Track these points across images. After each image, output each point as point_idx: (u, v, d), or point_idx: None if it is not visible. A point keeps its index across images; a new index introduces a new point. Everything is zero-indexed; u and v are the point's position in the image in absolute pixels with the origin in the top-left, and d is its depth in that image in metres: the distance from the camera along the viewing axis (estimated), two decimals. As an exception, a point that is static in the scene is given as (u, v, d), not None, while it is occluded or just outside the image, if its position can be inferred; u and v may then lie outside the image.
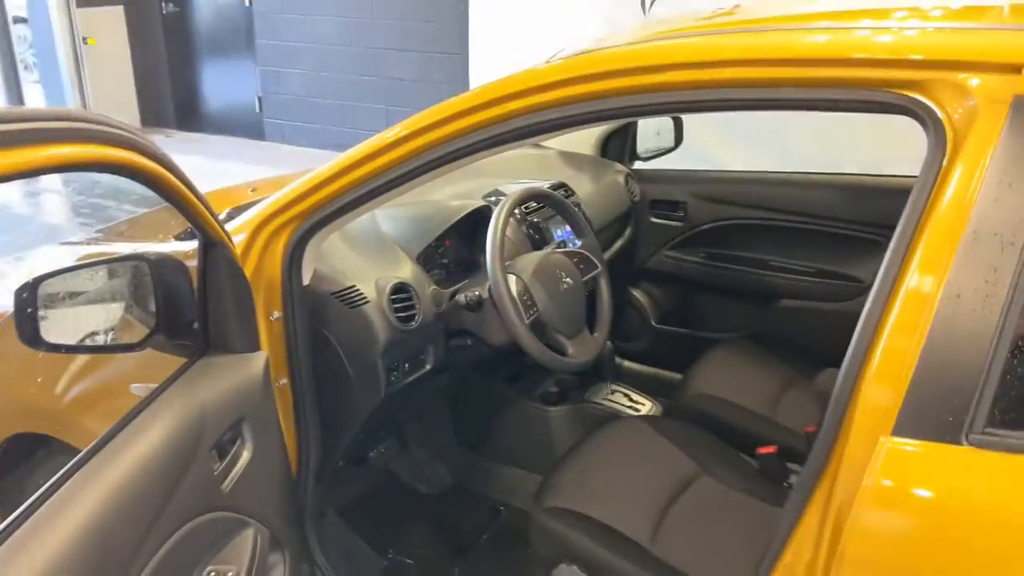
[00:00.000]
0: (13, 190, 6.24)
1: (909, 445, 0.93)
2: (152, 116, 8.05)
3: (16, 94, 7.74)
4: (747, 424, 1.94)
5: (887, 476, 0.93)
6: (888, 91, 1.02)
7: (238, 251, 1.32)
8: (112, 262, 1.26)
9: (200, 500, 1.10)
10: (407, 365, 1.62)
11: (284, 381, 1.46)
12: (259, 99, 7.36)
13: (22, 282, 1.21)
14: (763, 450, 1.79)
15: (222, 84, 7.86)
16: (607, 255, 2.22)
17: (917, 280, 0.96)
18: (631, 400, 2.17)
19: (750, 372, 2.12)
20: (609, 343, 2.07)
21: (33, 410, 1.79)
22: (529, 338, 1.56)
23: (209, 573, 1.12)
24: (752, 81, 1.08)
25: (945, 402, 0.92)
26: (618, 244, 2.44)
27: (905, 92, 1.00)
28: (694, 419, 1.95)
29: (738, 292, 2.47)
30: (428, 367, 1.67)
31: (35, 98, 7.84)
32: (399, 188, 1.35)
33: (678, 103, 1.14)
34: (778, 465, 1.78)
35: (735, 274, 2.46)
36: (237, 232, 1.41)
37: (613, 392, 2.19)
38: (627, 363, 2.68)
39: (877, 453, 0.94)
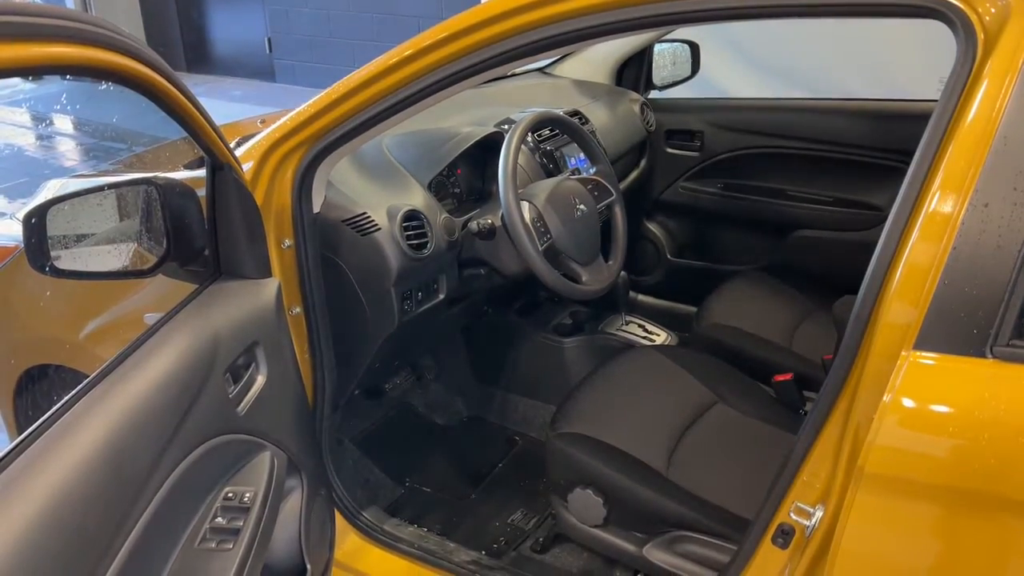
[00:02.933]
0: (26, 134, 6.23)
1: (932, 359, 0.92)
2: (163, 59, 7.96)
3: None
4: (763, 353, 1.93)
5: (909, 390, 0.92)
6: None
7: (247, 178, 1.30)
8: (121, 186, 1.24)
9: (215, 421, 1.10)
10: (420, 294, 1.61)
11: (297, 310, 1.46)
12: (268, 40, 7.27)
13: (31, 207, 1.20)
14: (780, 377, 1.78)
15: (231, 25, 7.76)
16: (622, 186, 2.18)
17: (943, 189, 0.93)
18: (646, 331, 2.16)
19: (766, 302, 2.10)
20: (624, 274, 2.04)
21: (50, 342, 1.81)
22: (543, 265, 1.54)
23: (227, 494, 1.13)
24: None
25: (970, 314, 0.90)
26: (633, 175, 2.40)
27: None
28: (709, 349, 1.94)
29: (754, 223, 2.44)
30: (441, 296, 1.66)
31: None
32: (410, 109, 1.32)
33: (698, 11, 1.09)
34: (795, 392, 1.78)
35: (751, 204, 2.42)
36: (245, 159, 1.39)
37: (628, 323, 2.18)
38: (642, 297, 2.66)
39: (899, 367, 0.93)
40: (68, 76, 0.78)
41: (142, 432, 0.94)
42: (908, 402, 0.92)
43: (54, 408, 0.88)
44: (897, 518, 0.96)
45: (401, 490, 1.98)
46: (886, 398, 0.93)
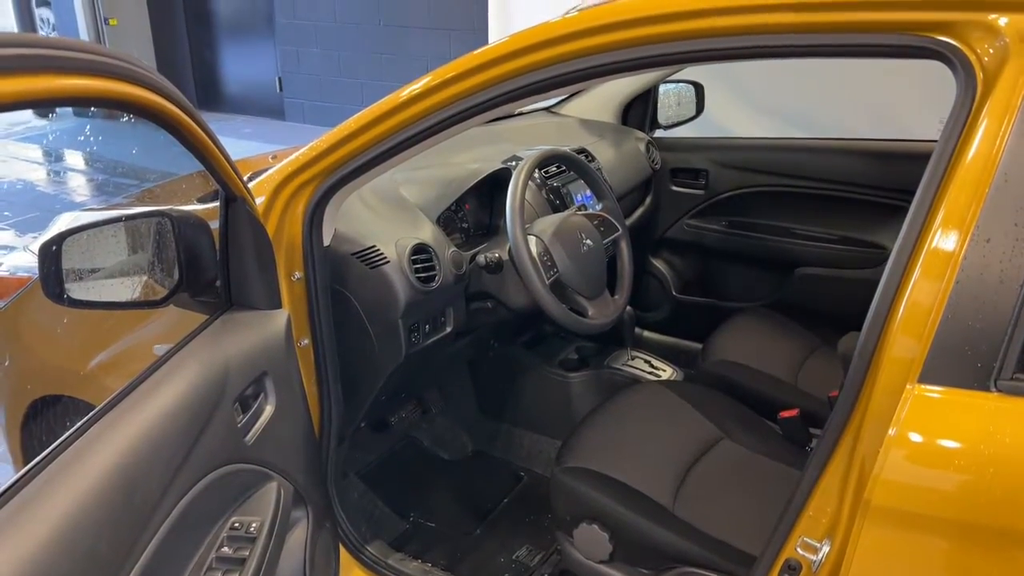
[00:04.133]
0: (38, 170, 6.31)
1: (936, 392, 0.92)
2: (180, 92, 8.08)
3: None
4: (768, 389, 1.93)
5: (914, 423, 0.92)
6: (916, 34, 1.00)
7: (259, 211, 1.33)
8: (136, 218, 1.26)
9: (224, 451, 1.11)
10: (427, 327, 1.62)
11: (306, 342, 1.47)
12: (279, 79, 7.39)
13: (47, 238, 1.22)
14: (786, 413, 1.78)
15: (242, 64, 7.90)
16: (627, 223, 2.20)
17: (944, 225, 0.94)
18: (652, 366, 2.17)
19: (772, 339, 2.10)
20: (630, 309, 2.06)
21: (59, 372, 1.82)
22: (549, 299, 1.55)
23: (233, 524, 1.13)
24: (777, 27, 1.06)
25: (973, 348, 0.91)
26: (638, 212, 2.43)
27: (933, 35, 0.98)
28: (715, 385, 1.94)
29: (759, 260, 2.46)
30: (448, 329, 1.67)
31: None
32: (420, 145, 1.34)
33: (699, 51, 1.12)
34: (800, 428, 1.77)
35: (756, 242, 2.44)
36: (257, 193, 1.41)
37: (633, 358, 2.19)
38: (647, 333, 2.67)
39: (903, 401, 0.93)
40: (91, 109, 0.80)
41: (153, 459, 0.95)
42: (913, 436, 0.93)
43: (67, 434, 0.90)
44: (904, 551, 0.96)
45: (406, 525, 1.97)
46: (891, 431, 0.93)
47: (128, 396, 1.00)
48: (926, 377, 0.93)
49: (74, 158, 6.65)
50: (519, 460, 2.21)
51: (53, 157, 6.69)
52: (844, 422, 1.07)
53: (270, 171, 1.45)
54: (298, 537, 1.36)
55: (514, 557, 1.87)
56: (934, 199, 0.97)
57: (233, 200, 1.24)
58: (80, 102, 0.81)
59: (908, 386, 0.94)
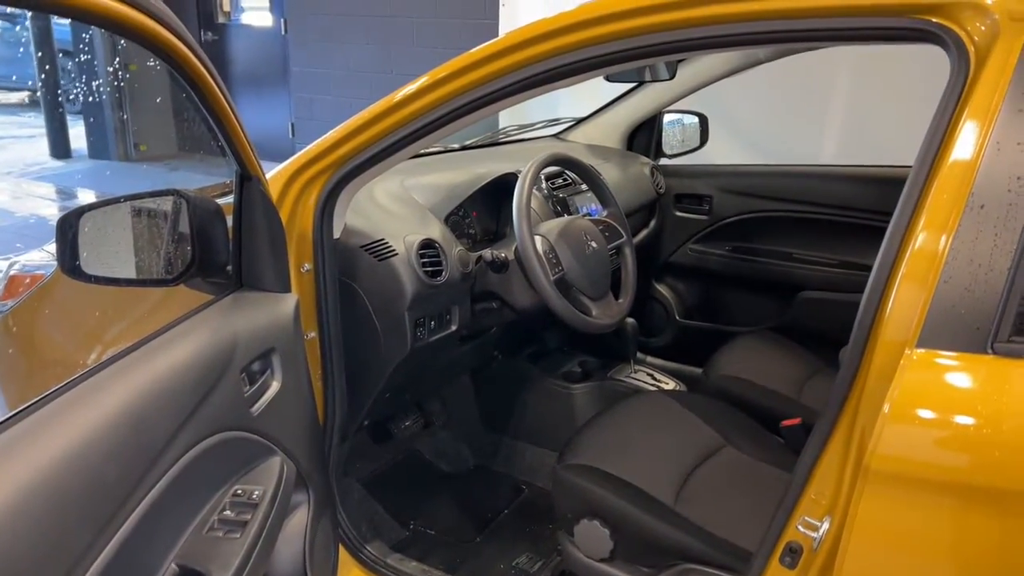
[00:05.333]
0: (51, 206, 6.41)
1: (934, 356, 0.94)
2: (188, 141, 8.25)
3: (59, 124, 7.94)
4: (771, 403, 1.94)
5: (913, 388, 0.94)
6: (908, 17, 1.04)
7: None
8: (152, 196, 1.30)
9: (229, 415, 1.12)
10: (433, 323, 1.64)
11: (313, 335, 1.49)
12: (292, 125, 7.53)
13: (66, 212, 1.25)
14: (788, 422, 1.78)
15: (257, 110, 8.05)
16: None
17: (942, 190, 0.97)
18: (655, 379, 2.17)
19: (775, 358, 2.11)
20: (634, 322, 2.07)
21: (70, 369, 1.83)
22: (554, 295, 1.58)
23: (236, 491, 1.14)
24: (774, 13, 1.11)
25: (970, 311, 0.92)
26: (643, 234, 2.46)
27: (925, 16, 1.03)
28: (718, 397, 1.94)
29: (762, 285, 2.48)
30: (453, 328, 1.69)
31: (76, 128, 8.05)
32: (430, 136, 1.38)
33: (702, 39, 1.16)
34: (803, 438, 1.76)
35: (759, 267, 2.47)
36: (270, 186, 1.45)
37: (637, 371, 2.19)
38: (650, 358, 2.68)
39: (902, 366, 0.95)
40: (122, 40, 0.82)
41: (161, 406, 0.96)
42: (912, 399, 0.94)
43: (77, 374, 0.91)
44: (903, 517, 0.96)
45: (406, 532, 1.96)
46: (890, 396, 0.94)
47: (137, 350, 1.02)
48: (924, 341, 0.95)
49: (85, 195, 6.76)
50: (521, 474, 2.20)
51: (66, 195, 6.80)
52: (844, 397, 1.08)
53: (282, 164, 1.49)
54: (299, 522, 1.36)
55: (514, 564, 1.85)
56: (931, 170, 1.00)
57: (248, 179, 1.28)
58: (107, 24, 0.83)
59: (907, 351, 0.96)
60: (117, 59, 7.91)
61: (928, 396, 0.94)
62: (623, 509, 1.47)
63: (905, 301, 0.98)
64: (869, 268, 2.36)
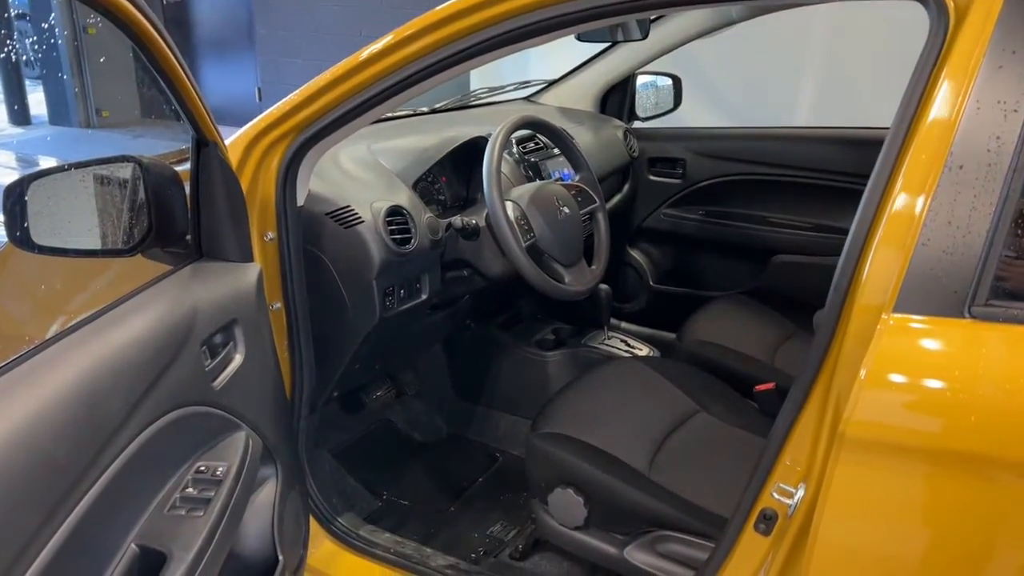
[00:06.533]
0: (12, 174, 6.24)
1: (911, 320, 0.92)
2: (152, 107, 8.05)
3: (17, 90, 7.70)
4: (744, 367, 1.93)
5: (889, 352, 0.92)
6: None
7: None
8: (104, 163, 1.24)
9: (190, 390, 1.08)
10: (403, 292, 1.60)
11: (278, 305, 1.45)
12: (259, 89, 7.37)
13: (11, 181, 1.19)
14: (761, 387, 1.77)
15: (222, 75, 7.87)
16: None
17: (919, 154, 0.95)
18: (628, 346, 2.16)
19: (749, 322, 2.11)
20: (607, 288, 2.05)
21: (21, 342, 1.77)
22: (526, 262, 1.54)
23: (199, 467, 1.10)
24: None
25: (948, 275, 0.91)
26: (616, 199, 2.43)
27: None
28: (691, 362, 1.93)
29: (736, 249, 2.46)
30: (424, 296, 1.66)
31: (36, 94, 7.82)
32: (396, 97, 1.33)
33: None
34: (776, 402, 1.76)
35: (733, 230, 2.45)
36: (230, 151, 1.39)
37: (610, 338, 2.18)
38: (624, 324, 2.66)
39: (879, 332, 0.93)
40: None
41: (116, 381, 0.92)
42: (889, 364, 0.92)
43: (25, 350, 0.87)
44: (879, 483, 0.95)
45: (378, 503, 1.94)
46: (866, 361, 0.93)
47: (93, 322, 0.97)
48: (901, 306, 0.93)
49: (47, 163, 6.59)
50: (494, 442, 2.19)
51: (27, 163, 6.62)
52: (819, 362, 1.06)
53: (243, 128, 1.44)
54: (267, 496, 1.33)
55: (488, 532, 1.84)
56: (908, 130, 0.98)
57: (205, 145, 1.23)
58: None
59: (883, 316, 0.94)
60: (76, 22, 7.67)
61: (905, 361, 0.93)
62: (597, 477, 1.46)
63: (882, 265, 0.96)
64: (844, 231, 2.34)
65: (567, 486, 1.47)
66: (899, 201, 0.96)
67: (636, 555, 1.45)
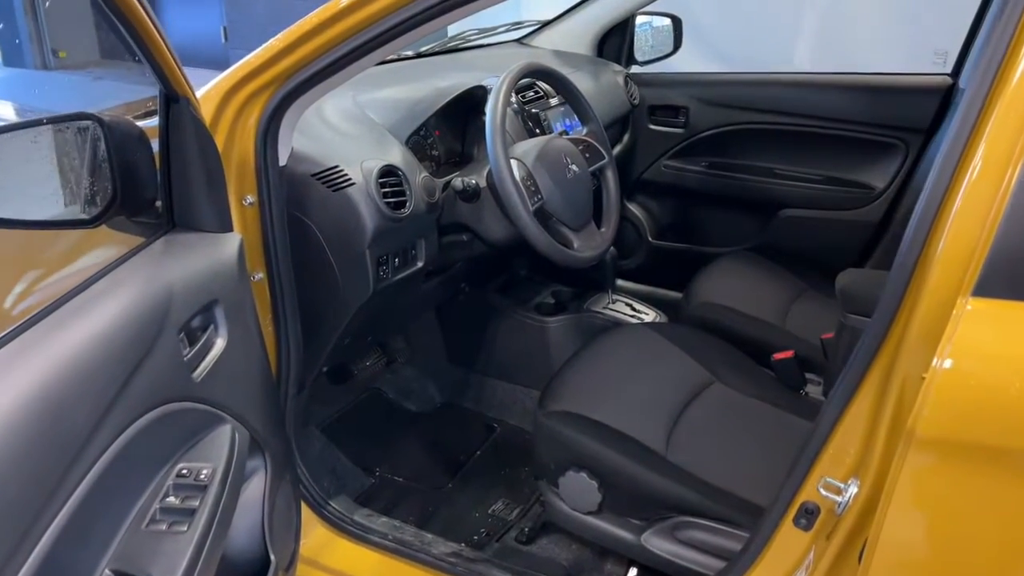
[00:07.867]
0: None
1: (994, 306, 0.81)
2: (111, 47, 7.68)
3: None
4: (757, 332, 1.83)
5: (969, 340, 0.81)
6: None
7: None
8: (59, 121, 1.08)
9: (167, 386, 0.95)
10: (397, 260, 1.46)
11: (260, 275, 1.31)
12: (224, 28, 7.06)
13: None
14: (780, 355, 1.68)
15: (185, 13, 7.52)
16: None
17: (1005, 118, 0.82)
18: (634, 310, 2.04)
19: (757, 282, 2.00)
20: (612, 247, 1.92)
21: None
22: (534, 227, 1.41)
23: (181, 471, 0.98)
24: None
25: None
26: (616, 150, 2.29)
27: None
28: (700, 327, 1.83)
29: (741, 202, 2.34)
30: (419, 264, 1.52)
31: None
32: (389, 45, 1.18)
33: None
34: (796, 371, 1.67)
35: (738, 183, 2.32)
36: (203, 105, 1.23)
37: (615, 302, 2.06)
38: (622, 282, 2.54)
39: (956, 317, 0.82)
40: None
41: (82, 386, 0.79)
42: (968, 354, 0.81)
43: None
44: (954, 487, 0.85)
45: (371, 480, 1.83)
46: (942, 350, 0.81)
47: (52, 315, 0.83)
48: (982, 289, 0.82)
49: (4, 108, 6.27)
50: (492, 411, 2.08)
51: (-18, 108, 6.30)
52: (877, 346, 0.96)
53: (217, 78, 1.28)
54: (255, 489, 1.21)
55: (490, 511, 1.74)
56: (990, 89, 0.85)
57: (175, 100, 1.07)
58: None
59: (960, 300, 0.83)
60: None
61: (986, 352, 0.82)
62: (612, 459, 1.36)
63: (959, 241, 0.84)
64: (855, 184, 2.22)
65: (580, 469, 1.37)
66: (979, 170, 0.84)
67: (654, 542, 1.36)
